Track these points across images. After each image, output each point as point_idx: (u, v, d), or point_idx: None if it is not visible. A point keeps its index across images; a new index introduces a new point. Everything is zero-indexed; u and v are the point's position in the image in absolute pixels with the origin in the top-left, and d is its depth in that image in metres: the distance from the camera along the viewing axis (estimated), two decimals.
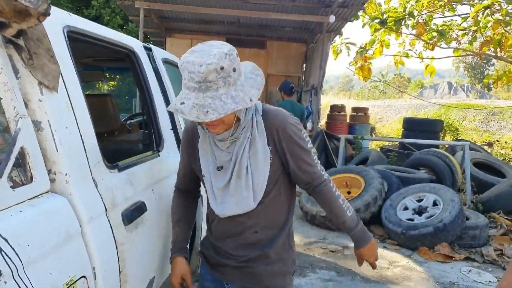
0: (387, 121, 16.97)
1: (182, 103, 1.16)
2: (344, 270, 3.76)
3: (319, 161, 1.40)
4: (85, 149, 1.24)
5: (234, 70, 1.18)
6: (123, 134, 2.44)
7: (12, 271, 0.85)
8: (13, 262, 0.85)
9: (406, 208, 4.61)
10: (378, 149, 8.71)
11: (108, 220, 1.27)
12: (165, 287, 1.76)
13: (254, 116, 1.32)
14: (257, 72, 1.31)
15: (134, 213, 1.42)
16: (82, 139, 1.24)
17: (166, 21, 8.92)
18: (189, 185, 1.56)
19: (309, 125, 7.89)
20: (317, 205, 4.88)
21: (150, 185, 1.65)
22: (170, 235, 1.79)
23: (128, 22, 9.65)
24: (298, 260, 3.86)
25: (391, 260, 4.05)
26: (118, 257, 1.27)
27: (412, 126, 8.41)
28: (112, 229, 1.27)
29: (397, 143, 8.54)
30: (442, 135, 10.87)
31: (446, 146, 8.01)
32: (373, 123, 15.71)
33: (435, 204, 4.51)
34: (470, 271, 3.84)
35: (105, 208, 1.27)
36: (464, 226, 4.31)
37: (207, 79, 1.12)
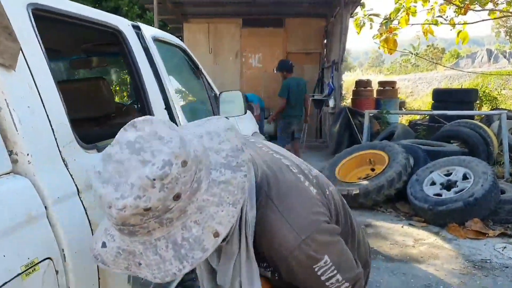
0: (418, 95, 16.29)
1: (104, 244, 0.80)
2: None
3: (340, 283, 0.97)
4: (52, 128, 1.19)
5: (178, 197, 0.73)
6: (121, 117, 2.41)
7: None
8: None
9: (433, 183, 4.38)
10: (407, 124, 8.35)
11: (81, 201, 1.22)
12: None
13: (242, 219, 0.89)
14: (238, 161, 0.82)
15: None
16: (48, 119, 1.18)
17: (181, 7, 8.85)
18: None
19: (331, 103, 7.67)
20: (338, 184, 4.74)
21: None
22: None
23: (145, 11, 9.67)
24: None
25: (417, 238, 3.87)
26: (91, 228, 1.22)
27: (442, 97, 7.98)
28: (85, 210, 1.22)
29: (427, 116, 8.14)
30: (477, 105, 10.29)
31: (481, 116, 7.55)
32: (403, 97, 15.14)
33: (465, 177, 4.25)
34: (505, 247, 3.60)
35: (77, 189, 1.22)
36: (499, 200, 4.05)
37: (126, 223, 0.73)
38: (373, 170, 5.05)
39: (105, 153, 0.75)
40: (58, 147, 1.20)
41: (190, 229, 0.75)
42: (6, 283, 0.91)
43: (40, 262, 1.01)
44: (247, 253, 0.91)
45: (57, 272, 1.07)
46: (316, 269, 0.91)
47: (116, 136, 0.77)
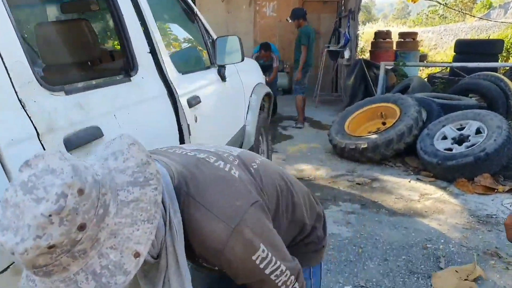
0: (442, 48, 15.51)
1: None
2: (369, 203, 3.58)
3: (284, 278, 0.95)
4: (5, 67, 1.11)
5: (82, 228, 0.68)
6: (108, 63, 2.32)
7: None
8: None
9: (444, 138, 4.22)
10: (426, 78, 7.99)
11: (42, 144, 1.17)
12: None
13: (166, 226, 0.84)
14: (145, 174, 0.78)
15: (81, 138, 1.30)
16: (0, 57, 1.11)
17: None
18: None
19: (346, 54, 7.37)
20: (346, 138, 4.62)
21: (111, 111, 1.52)
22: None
23: None
24: (321, 193, 3.73)
25: (423, 193, 3.78)
26: None
27: (465, 49, 7.53)
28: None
29: (448, 70, 7.75)
30: (503, 58, 9.72)
31: (505, 69, 7.13)
32: (426, 50, 14.45)
33: (478, 132, 4.07)
34: None
35: (37, 131, 1.16)
36: None
37: (36, 265, 0.68)
38: (384, 124, 4.89)
39: (2, 199, 0.69)
40: (14, 87, 1.13)
41: (107, 256, 0.72)
42: None
43: None
44: (176, 264, 0.87)
45: None
46: (257, 261, 0.88)
47: (11, 183, 0.71)
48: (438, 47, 15.95)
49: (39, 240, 0.65)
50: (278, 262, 0.92)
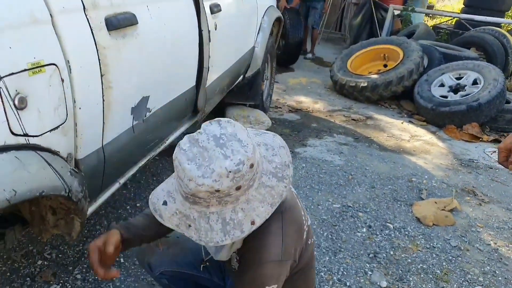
0: (449, 1, 15.12)
1: (165, 202, 0.95)
2: (362, 138, 3.75)
3: None
4: None
5: (238, 188, 0.90)
6: None
7: None
8: None
9: (442, 85, 4.33)
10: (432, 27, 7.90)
11: (87, 19, 1.21)
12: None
13: None
14: (283, 173, 0.99)
15: (120, 21, 1.34)
16: None
17: None
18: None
19: None
20: (348, 75, 4.68)
21: (145, 1, 1.54)
22: (172, 57, 1.75)
23: None
24: (317, 125, 3.87)
25: (413, 134, 3.97)
26: (99, 60, 1.24)
27: (474, 2, 7.40)
28: (91, 29, 1.22)
29: (453, 22, 7.67)
30: (509, 16, 9.61)
31: (510, 26, 7.11)
32: (433, 1, 14.07)
33: (475, 83, 4.19)
34: (494, 152, 3.71)
35: (83, 5, 1.20)
36: (502, 109, 4.05)
37: (196, 195, 0.89)
38: (385, 66, 4.94)
39: (192, 137, 0.91)
40: None
41: (237, 213, 0.92)
42: (12, 73, 0.95)
43: (46, 65, 1.04)
44: (232, 245, 1.08)
45: (62, 80, 1.11)
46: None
47: (202, 126, 0.94)
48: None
49: (214, 183, 0.86)
50: None
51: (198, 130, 0.93)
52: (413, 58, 4.52)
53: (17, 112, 0.97)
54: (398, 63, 4.56)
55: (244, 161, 0.88)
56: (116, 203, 2.41)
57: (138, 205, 2.42)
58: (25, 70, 0.98)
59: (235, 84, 3.12)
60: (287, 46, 5.50)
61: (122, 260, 1.98)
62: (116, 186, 1.60)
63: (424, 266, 2.13)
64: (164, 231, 1.21)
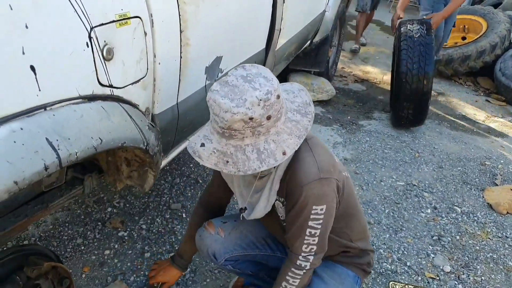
0: None
1: (203, 144, 1.02)
2: (432, 114, 3.54)
3: (312, 242, 1.15)
4: None
5: (269, 118, 0.97)
6: None
7: None
8: None
9: None
10: None
11: None
12: None
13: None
14: (306, 110, 1.06)
15: None
16: None
17: None
18: (215, 199, 1.46)
19: None
20: None
21: None
22: (246, 17, 1.71)
23: None
24: (384, 97, 3.68)
25: (490, 115, 3.66)
26: (179, 15, 1.23)
27: None
28: None
29: None
30: None
31: None
32: None
33: None
34: None
35: None
36: None
37: (231, 127, 0.96)
38: (463, 39, 4.54)
39: (222, 80, 0.99)
40: None
41: (269, 143, 0.99)
42: (102, 24, 0.96)
43: (131, 18, 1.05)
44: (271, 185, 1.16)
45: (145, 33, 1.11)
46: (312, 211, 1.10)
47: (229, 72, 1.00)
48: None
49: (248, 110, 0.93)
50: (319, 230, 1.12)
51: (225, 76, 1.01)
52: (498, 30, 4.09)
53: (105, 63, 0.98)
54: (480, 36, 4.16)
55: (272, 91, 0.96)
56: (180, 160, 2.50)
57: (200, 164, 2.49)
58: (113, 21, 0.99)
59: (302, 49, 3.02)
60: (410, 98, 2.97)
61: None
62: (185, 143, 1.63)
63: (494, 256, 2.00)
64: None
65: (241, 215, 1.28)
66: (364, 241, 1.39)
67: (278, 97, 0.98)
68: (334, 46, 3.73)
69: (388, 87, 3.99)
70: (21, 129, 0.76)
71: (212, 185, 1.46)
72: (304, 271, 1.18)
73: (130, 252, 1.83)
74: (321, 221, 1.11)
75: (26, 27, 0.77)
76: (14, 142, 0.74)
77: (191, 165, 2.47)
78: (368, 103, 3.59)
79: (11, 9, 0.74)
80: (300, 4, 2.35)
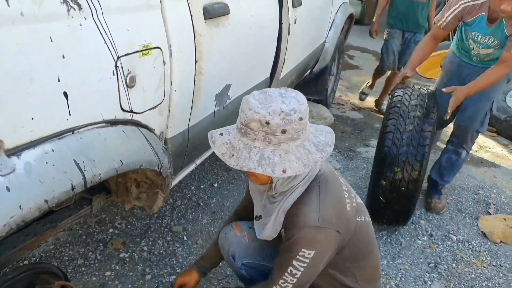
0: None
1: (221, 134, 1.12)
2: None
3: (289, 282, 1.18)
4: None
5: (284, 132, 1.04)
6: None
7: (91, 12, 0.90)
8: (93, 3, 0.90)
9: None
10: None
11: (189, 7, 1.27)
12: None
13: (289, 194, 1.19)
14: (324, 148, 1.12)
15: (215, 10, 1.40)
16: None
17: None
18: (248, 212, 1.48)
19: None
20: (416, 77, 4.50)
21: None
22: (254, 48, 1.80)
23: None
24: (379, 125, 3.76)
25: (482, 145, 3.75)
26: (195, 46, 1.31)
27: None
28: (191, 17, 1.28)
29: None
30: None
31: None
32: None
33: None
34: None
35: None
36: None
37: (248, 125, 1.05)
38: None
39: (263, 90, 1.10)
40: None
41: (274, 155, 1.05)
42: (128, 54, 1.02)
43: (153, 48, 1.12)
44: (277, 214, 1.21)
45: (164, 63, 1.18)
46: (300, 253, 1.13)
47: (273, 88, 1.12)
48: None
49: (268, 114, 1.02)
50: (300, 272, 1.15)
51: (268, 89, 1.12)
52: None
53: (127, 90, 1.05)
54: None
55: (297, 110, 1.03)
56: (181, 183, 2.53)
57: (201, 187, 2.53)
58: (137, 51, 1.06)
59: (303, 77, 3.12)
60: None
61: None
62: (192, 166, 1.68)
63: (489, 284, 2.04)
64: None
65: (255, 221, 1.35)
66: (372, 283, 1.41)
67: (301, 119, 1.05)
68: (333, 75, 3.84)
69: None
70: (52, 150, 0.82)
71: (245, 198, 1.54)
72: None
73: (131, 273, 1.84)
74: (305, 264, 1.14)
75: (63, 57, 0.83)
76: (46, 163, 0.79)
77: (192, 187, 2.51)
78: (365, 131, 3.68)
79: (51, 40, 0.81)
80: (303, 37, 2.46)
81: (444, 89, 2.13)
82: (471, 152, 3.52)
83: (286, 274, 1.16)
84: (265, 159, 1.04)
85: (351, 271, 1.32)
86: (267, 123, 1.02)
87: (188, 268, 1.61)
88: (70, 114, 0.87)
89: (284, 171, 1.04)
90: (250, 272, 1.48)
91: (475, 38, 2.17)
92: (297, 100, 1.07)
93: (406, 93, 2.27)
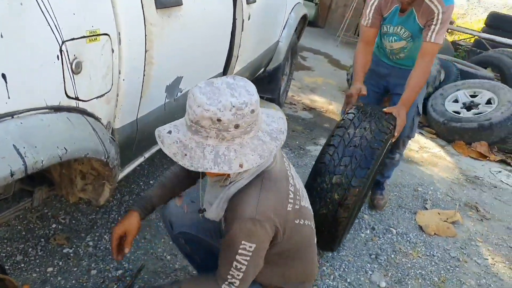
0: (470, 19, 15.08)
1: (170, 131, 1.06)
2: None
3: (236, 276, 1.16)
4: None
5: (237, 127, 1.01)
6: None
7: None
8: None
9: (456, 101, 4.38)
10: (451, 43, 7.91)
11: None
12: None
13: (234, 183, 1.15)
14: (278, 136, 1.10)
15: (167, 1, 1.39)
16: None
17: None
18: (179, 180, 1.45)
19: None
20: None
21: None
22: (207, 42, 1.79)
23: None
24: (329, 125, 3.90)
25: (423, 146, 4.01)
26: (145, 35, 1.29)
27: (497, 23, 7.41)
28: (142, 5, 1.26)
29: (473, 39, 7.68)
30: None
31: None
32: (454, 18, 14.06)
33: (489, 102, 4.22)
34: (500, 172, 3.76)
35: None
36: None
37: (199, 123, 1.00)
38: None
39: (209, 80, 1.05)
40: None
41: (230, 151, 1.02)
42: (74, 39, 1.00)
43: (101, 35, 1.10)
44: (219, 201, 1.19)
45: (112, 51, 1.16)
46: (241, 246, 1.10)
47: (219, 78, 1.06)
48: (467, 16, 15.48)
49: (218, 111, 0.97)
50: (245, 266, 1.12)
51: (214, 78, 1.07)
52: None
53: (73, 76, 1.02)
54: None
55: (248, 103, 1.00)
56: (129, 178, 2.48)
57: (151, 182, 2.49)
58: (84, 37, 1.03)
59: (256, 75, 3.16)
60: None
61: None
62: (141, 159, 1.66)
63: (423, 272, 2.19)
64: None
65: (200, 215, 1.32)
66: (301, 285, 1.42)
67: (253, 111, 1.02)
68: (286, 75, 3.93)
69: (334, 116, 4.25)
70: None
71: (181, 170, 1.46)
72: None
73: (75, 269, 1.78)
74: (249, 258, 1.12)
75: (1, 36, 0.80)
76: None
77: (141, 183, 2.46)
78: (315, 130, 3.80)
79: None
80: (257, 34, 2.50)
81: (385, 109, 2.04)
82: (412, 152, 3.76)
83: (232, 269, 1.14)
84: (220, 157, 1.01)
85: (280, 268, 1.33)
86: (219, 120, 0.98)
87: (131, 214, 1.37)
88: (9, 98, 0.84)
89: (241, 166, 1.03)
90: (188, 242, 1.50)
91: (388, 31, 2.19)
92: (247, 91, 1.03)
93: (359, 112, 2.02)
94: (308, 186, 1.92)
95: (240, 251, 1.11)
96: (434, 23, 1.97)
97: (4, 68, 0.81)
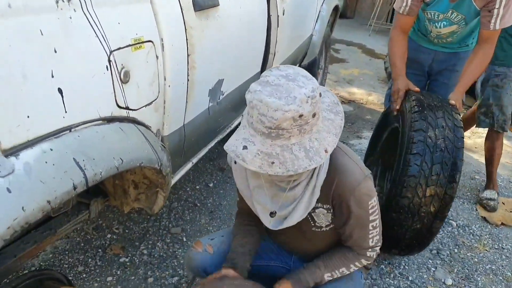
0: None
1: (245, 147, 0.98)
2: None
3: (375, 233, 1.21)
4: None
5: (314, 115, 0.96)
6: None
7: (81, 4, 0.87)
8: None
9: None
10: None
11: (179, 2, 1.24)
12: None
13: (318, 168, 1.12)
14: (337, 109, 1.07)
15: (205, 1, 1.37)
16: None
17: None
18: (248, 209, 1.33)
19: None
20: None
21: None
22: (245, 41, 1.76)
23: None
24: (371, 117, 3.79)
25: (475, 131, 3.78)
26: (186, 39, 1.28)
27: None
28: (181, 9, 1.25)
29: None
30: None
31: None
32: None
33: None
34: None
35: None
36: None
37: (280, 127, 0.93)
38: None
39: (261, 81, 0.97)
40: None
41: (313, 142, 0.98)
42: (120, 48, 0.99)
43: (145, 42, 1.09)
44: (312, 192, 1.14)
45: (157, 57, 1.15)
46: (369, 206, 1.14)
47: (264, 74, 1.00)
48: None
49: (299, 107, 0.92)
50: (377, 219, 1.18)
51: (263, 76, 1.00)
52: None
53: (122, 85, 1.01)
54: None
55: (315, 88, 0.96)
56: (176, 184, 2.49)
57: (197, 187, 2.49)
58: (129, 45, 1.03)
59: None
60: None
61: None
62: (189, 165, 1.65)
63: (493, 267, 2.04)
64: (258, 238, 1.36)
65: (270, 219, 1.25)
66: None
67: (320, 94, 1.00)
68: (321, 69, 3.84)
69: (375, 107, 4.11)
70: (51, 149, 0.78)
71: (241, 201, 1.37)
72: (371, 260, 1.26)
73: (132, 277, 1.80)
74: (377, 211, 1.18)
75: (55, 51, 0.80)
76: (46, 162, 0.76)
77: (188, 188, 2.47)
78: (356, 123, 3.68)
79: (42, 34, 0.77)
80: (292, 29, 2.45)
81: (451, 101, 1.84)
82: (465, 138, 3.55)
83: (370, 232, 1.19)
84: (310, 150, 0.97)
85: None
86: (300, 116, 0.93)
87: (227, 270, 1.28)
88: (66, 112, 0.84)
89: (326, 151, 0.99)
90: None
91: (434, 18, 1.98)
92: (305, 77, 0.97)
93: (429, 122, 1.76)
94: (395, 203, 1.73)
95: (370, 211, 1.15)
96: (497, 6, 1.73)
97: (59, 82, 0.81)
